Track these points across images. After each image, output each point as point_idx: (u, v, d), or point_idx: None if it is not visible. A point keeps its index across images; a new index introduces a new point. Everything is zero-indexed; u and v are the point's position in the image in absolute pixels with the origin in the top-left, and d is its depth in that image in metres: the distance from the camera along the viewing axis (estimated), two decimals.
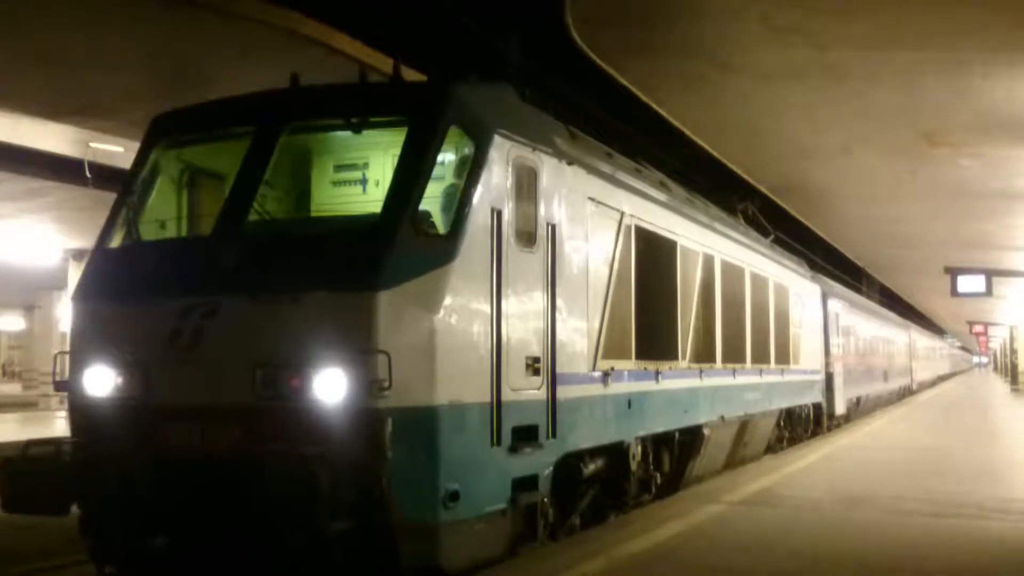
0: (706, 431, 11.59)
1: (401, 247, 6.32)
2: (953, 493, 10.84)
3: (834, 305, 22.48)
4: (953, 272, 23.00)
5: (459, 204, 6.72)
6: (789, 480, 12.12)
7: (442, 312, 6.36)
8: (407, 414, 6.09)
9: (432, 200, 7.03)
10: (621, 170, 9.58)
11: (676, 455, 11.00)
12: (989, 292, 23.24)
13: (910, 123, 11.86)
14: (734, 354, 13.19)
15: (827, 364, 21.02)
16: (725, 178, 17.16)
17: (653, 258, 10.13)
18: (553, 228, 7.72)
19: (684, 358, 11.01)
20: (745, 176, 15.89)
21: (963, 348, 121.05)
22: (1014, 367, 52.74)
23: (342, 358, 5.98)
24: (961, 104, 10.82)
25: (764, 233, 17.51)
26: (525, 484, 7.21)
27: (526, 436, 7.20)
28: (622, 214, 9.29)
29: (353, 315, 6.11)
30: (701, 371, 11.57)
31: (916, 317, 58.31)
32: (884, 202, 17.77)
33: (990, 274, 22.93)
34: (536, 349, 7.41)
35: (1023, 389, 46.93)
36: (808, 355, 18.59)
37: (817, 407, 20.01)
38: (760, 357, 14.63)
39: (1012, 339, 53.81)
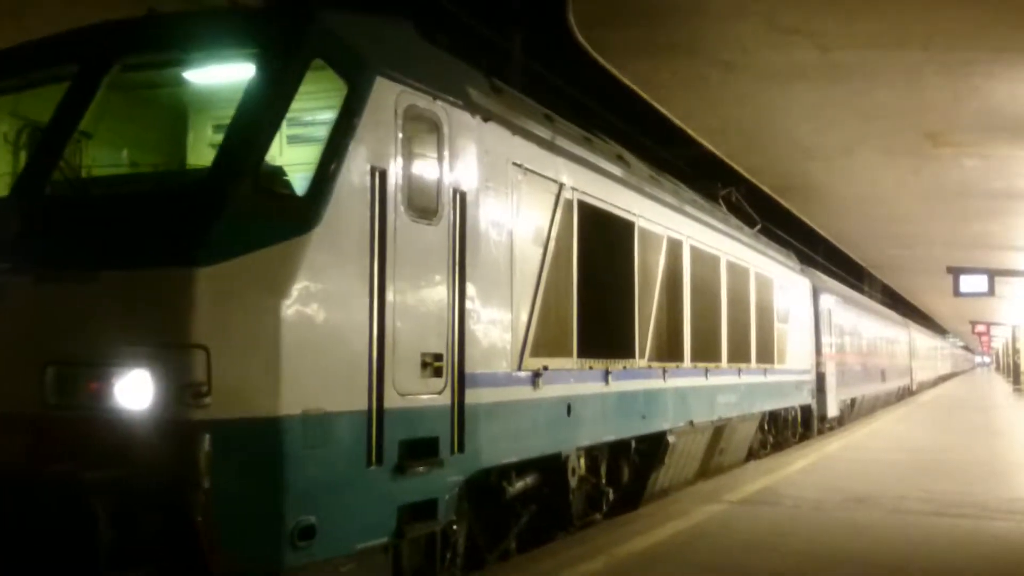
0: (671, 438, 10.40)
1: (234, 210, 4.98)
2: (955, 493, 10.84)
3: (826, 301, 21.73)
4: (955, 272, 22.99)
5: (323, 159, 5.40)
6: (790, 479, 12.12)
7: (294, 295, 5.03)
8: (237, 428, 4.78)
9: (304, 166, 5.87)
10: (563, 136, 8.32)
11: (635, 466, 9.94)
12: (991, 292, 23.23)
13: (913, 123, 11.85)
14: (707, 352, 11.94)
15: (818, 363, 20.09)
16: (711, 166, 16.41)
17: (603, 240, 8.87)
18: (462, 197, 6.45)
19: (643, 356, 9.72)
20: (748, 175, 15.87)
21: (965, 348, 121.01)
22: (1016, 367, 52.69)
23: (148, 355, 4.73)
24: (964, 104, 10.81)
25: (750, 222, 16.60)
26: (419, 511, 5.95)
27: (421, 451, 5.94)
28: (561, 186, 8.04)
29: (162, 298, 4.81)
30: (664, 371, 10.29)
31: (917, 316, 58.28)
32: (887, 202, 17.75)
33: (992, 274, 22.92)
34: (437, 344, 6.13)
35: None
36: (796, 353, 17.50)
37: (806, 409, 18.96)
38: (738, 355, 13.45)
39: (1014, 339, 53.75)
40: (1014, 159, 13.37)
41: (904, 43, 8.95)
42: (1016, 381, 51.75)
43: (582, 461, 8.44)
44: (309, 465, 5.08)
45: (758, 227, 17.15)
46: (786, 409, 17.32)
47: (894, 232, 21.75)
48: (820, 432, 20.22)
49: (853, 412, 25.68)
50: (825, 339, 21.11)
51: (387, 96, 5.82)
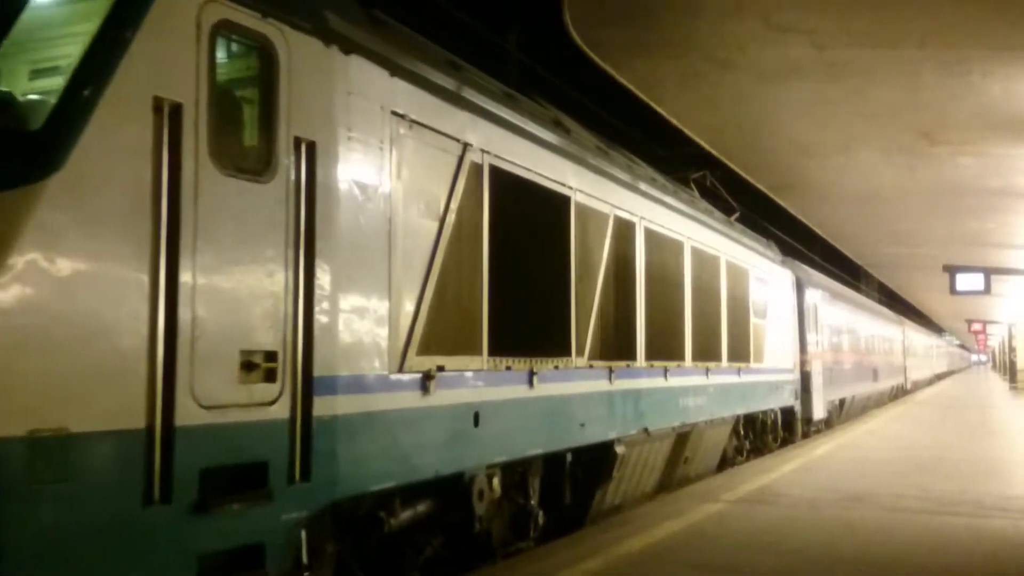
0: (619, 449, 9.17)
1: None
2: (952, 491, 10.85)
3: (812, 295, 20.68)
4: (952, 270, 23.00)
5: (73, 80, 4.05)
6: (787, 478, 12.13)
7: (12, 268, 3.71)
8: None
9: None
10: (473, 88, 6.93)
11: (576, 482, 8.79)
12: (988, 290, 23.25)
13: (909, 121, 11.85)
14: (667, 349, 10.67)
15: (803, 362, 19.05)
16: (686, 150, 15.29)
17: (527, 216, 7.62)
18: (310, 149, 5.10)
19: (581, 354, 8.44)
20: (744, 174, 15.88)
21: (961, 346, 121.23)
22: (1012, 365, 52.80)
23: None
24: (960, 102, 10.81)
25: (727, 209, 15.60)
26: (238, 559, 4.61)
27: (240, 482, 4.59)
28: (466, 147, 6.69)
29: None
30: (611, 371, 9.02)
31: (913, 314, 58.37)
32: (883, 200, 17.76)
33: (989, 272, 22.94)
34: (267, 339, 4.79)
35: (1021, 387, 46.97)
36: (776, 351, 16.29)
37: (788, 412, 17.66)
38: (707, 353, 12.15)
39: (1010, 337, 53.84)
40: (1010, 157, 13.38)
41: (900, 41, 8.95)
42: (1012, 379, 51.87)
43: (496, 481, 7.09)
44: (41, 507, 3.72)
45: (736, 215, 16.20)
46: (764, 412, 16.08)
47: (890, 230, 21.77)
48: (806, 435, 19.20)
49: (842, 414, 24.73)
50: (811, 336, 20.08)
51: (183, 4, 4.45)
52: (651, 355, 10.18)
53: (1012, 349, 53.85)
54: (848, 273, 40.45)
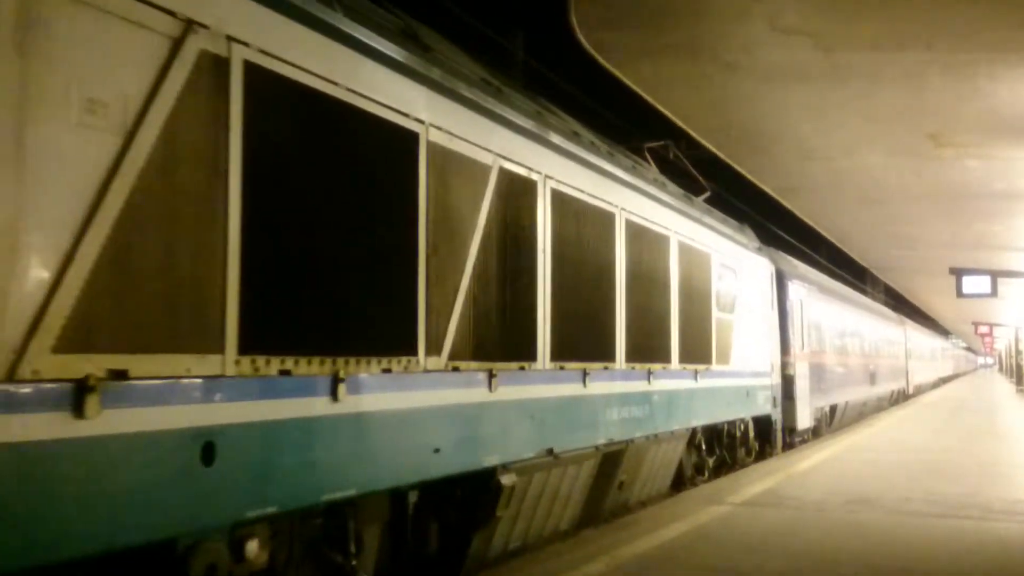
0: (505, 479, 7.06)
1: None
2: (958, 494, 10.84)
3: (796, 289, 18.60)
4: (958, 273, 22.99)
5: None
6: (793, 481, 12.12)
7: None
8: None
9: None
10: None
11: (441, 527, 6.82)
12: (994, 293, 23.24)
13: (916, 124, 11.85)
14: (586, 347, 8.56)
15: (784, 364, 16.99)
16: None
17: (329, 148, 5.31)
18: None
19: (437, 353, 6.25)
20: (750, 176, 15.88)
21: (968, 349, 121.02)
22: (1019, 368, 52.69)
23: None
24: (967, 105, 10.81)
25: (695, 188, 13.66)
26: None
27: None
28: (190, 27, 4.31)
29: None
30: (492, 375, 6.89)
31: (919, 316, 58.29)
32: (889, 203, 17.73)
33: (995, 275, 22.93)
34: None
35: None
36: (748, 352, 14.15)
37: (764, 421, 15.38)
38: (648, 352, 10.02)
39: (1017, 340, 53.73)
40: (1016, 160, 13.37)
41: (907, 44, 8.95)
42: (1019, 382, 51.76)
43: (254, 544, 4.86)
44: None
45: (706, 195, 14.29)
46: (732, 422, 13.82)
47: (896, 233, 21.75)
48: (791, 447, 17.21)
49: (834, 422, 22.84)
50: (795, 335, 18.06)
51: None
52: (561, 355, 8.05)
53: (1019, 352, 53.78)
54: (854, 275, 40.44)
